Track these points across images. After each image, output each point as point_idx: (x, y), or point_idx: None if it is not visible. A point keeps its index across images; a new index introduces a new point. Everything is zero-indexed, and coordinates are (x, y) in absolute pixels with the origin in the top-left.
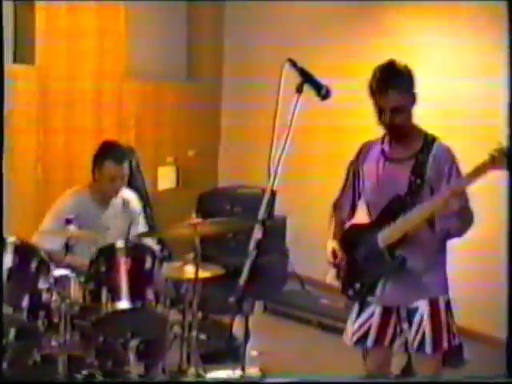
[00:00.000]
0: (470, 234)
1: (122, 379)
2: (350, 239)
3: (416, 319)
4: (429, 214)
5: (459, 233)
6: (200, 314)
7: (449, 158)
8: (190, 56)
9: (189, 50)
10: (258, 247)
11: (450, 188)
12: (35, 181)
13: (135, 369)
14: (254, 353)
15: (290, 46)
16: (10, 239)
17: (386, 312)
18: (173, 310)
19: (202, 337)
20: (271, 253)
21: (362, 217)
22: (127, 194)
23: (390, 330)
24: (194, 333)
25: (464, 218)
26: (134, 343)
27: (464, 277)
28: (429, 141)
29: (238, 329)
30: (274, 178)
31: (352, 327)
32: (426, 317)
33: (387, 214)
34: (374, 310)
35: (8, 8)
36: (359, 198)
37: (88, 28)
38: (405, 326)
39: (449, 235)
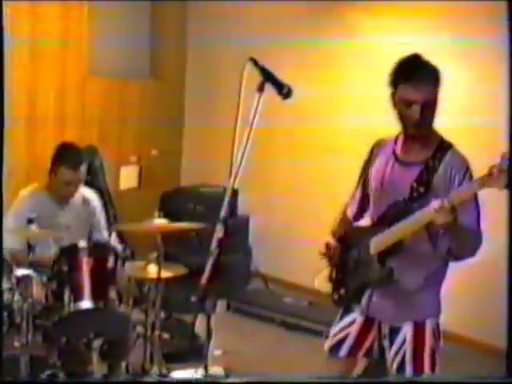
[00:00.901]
0: None
1: (85, 379)
2: (347, 240)
3: (398, 339)
4: (421, 224)
5: (462, 253)
6: (163, 314)
7: (461, 167)
8: (153, 55)
9: (152, 48)
10: (219, 246)
11: (441, 200)
12: None
13: (98, 369)
14: (218, 352)
15: (254, 45)
16: None
17: (368, 324)
18: (136, 309)
19: (166, 336)
20: (234, 252)
21: None
22: (87, 192)
23: (367, 344)
24: (157, 332)
25: (464, 237)
26: (97, 343)
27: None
28: (444, 147)
29: (200, 328)
30: (235, 177)
31: (332, 331)
32: (408, 339)
33: (384, 219)
34: (356, 319)
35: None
36: (369, 198)
37: (51, 26)
38: (385, 343)
39: (451, 255)
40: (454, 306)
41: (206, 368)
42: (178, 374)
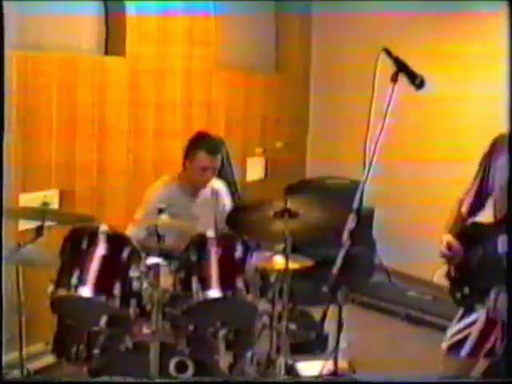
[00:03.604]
0: None
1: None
2: (468, 237)
3: None
4: None
5: None
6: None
7: None
8: (278, 48)
9: (277, 41)
10: (351, 237)
11: None
12: (126, 171)
13: (225, 358)
14: (343, 344)
15: (381, 36)
16: (103, 228)
17: (490, 323)
18: (261, 300)
19: (292, 327)
20: (359, 244)
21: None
22: (216, 184)
23: (489, 345)
24: (283, 323)
25: None
26: (223, 332)
27: None
28: None
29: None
30: (370, 168)
31: (450, 331)
32: None
33: None
34: (478, 319)
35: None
36: (488, 195)
37: (178, 19)
38: None
39: None
40: None
41: (335, 361)
42: (304, 365)
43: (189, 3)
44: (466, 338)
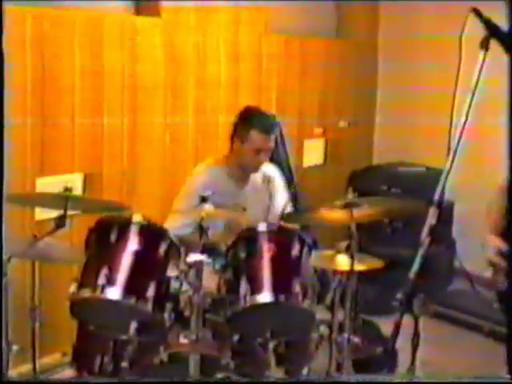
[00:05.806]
0: None
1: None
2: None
3: None
4: None
5: None
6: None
7: None
8: (340, 9)
9: (339, 5)
10: (431, 234)
11: None
12: (163, 152)
13: (276, 375)
14: (417, 362)
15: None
16: (136, 218)
17: None
18: (319, 307)
19: (355, 340)
20: (436, 244)
21: None
22: (269, 169)
23: None
24: (345, 335)
25: None
26: (274, 344)
27: None
28: None
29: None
30: (455, 154)
31: None
32: None
33: None
34: None
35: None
36: None
37: None
38: None
39: None
40: None
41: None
42: None
43: None
44: None
